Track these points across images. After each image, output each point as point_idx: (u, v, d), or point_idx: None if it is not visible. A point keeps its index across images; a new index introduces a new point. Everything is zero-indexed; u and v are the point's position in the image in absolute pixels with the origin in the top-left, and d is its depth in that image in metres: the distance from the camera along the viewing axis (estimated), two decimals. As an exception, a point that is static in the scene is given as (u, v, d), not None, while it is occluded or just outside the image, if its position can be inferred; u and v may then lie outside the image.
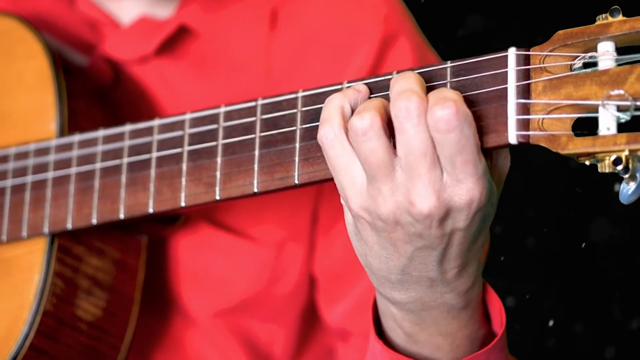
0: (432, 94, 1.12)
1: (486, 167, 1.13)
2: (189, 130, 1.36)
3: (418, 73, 1.18)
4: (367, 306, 1.50)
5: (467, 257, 1.18)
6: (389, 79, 1.20)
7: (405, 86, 1.13)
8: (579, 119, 1.11)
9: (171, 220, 1.56)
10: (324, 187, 1.55)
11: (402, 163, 1.12)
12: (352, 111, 1.17)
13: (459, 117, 1.10)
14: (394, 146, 1.13)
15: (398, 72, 1.19)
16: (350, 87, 1.20)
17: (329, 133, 1.16)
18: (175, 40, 1.61)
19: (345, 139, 1.15)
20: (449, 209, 1.13)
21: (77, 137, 1.46)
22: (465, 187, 1.12)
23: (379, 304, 1.28)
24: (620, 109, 1.07)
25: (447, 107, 1.10)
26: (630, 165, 1.06)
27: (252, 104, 1.30)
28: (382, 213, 1.14)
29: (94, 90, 1.57)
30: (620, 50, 1.10)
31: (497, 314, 1.28)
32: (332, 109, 1.17)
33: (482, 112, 1.13)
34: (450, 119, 1.09)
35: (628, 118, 1.07)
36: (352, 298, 1.59)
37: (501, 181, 1.19)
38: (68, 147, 1.47)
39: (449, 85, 1.16)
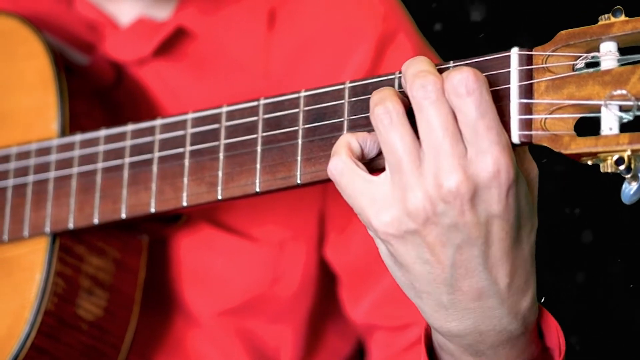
0: (445, 72, 1.12)
1: (509, 143, 1.11)
2: (191, 130, 1.36)
3: None
4: (392, 299, 1.50)
5: (514, 261, 1.14)
6: (392, 79, 1.20)
7: (419, 67, 1.12)
8: (581, 118, 1.11)
9: (173, 220, 1.56)
10: (329, 186, 1.55)
11: (425, 145, 1.11)
12: (361, 148, 1.17)
13: (478, 79, 1.09)
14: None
15: (400, 72, 1.19)
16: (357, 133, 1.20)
17: (337, 164, 1.15)
18: (173, 41, 1.61)
19: (353, 165, 1.15)
20: (477, 185, 1.09)
21: (78, 137, 1.46)
22: (490, 157, 1.09)
23: (434, 340, 1.25)
24: (622, 109, 1.07)
25: (464, 71, 1.09)
26: (632, 165, 1.06)
27: (254, 103, 1.30)
28: (411, 210, 1.11)
29: (95, 90, 1.58)
30: (622, 51, 1.10)
31: (554, 333, 1.24)
32: (339, 144, 1.17)
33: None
34: (468, 81, 1.09)
35: (631, 118, 1.07)
36: (376, 292, 1.58)
37: (533, 187, 1.16)
38: (70, 146, 1.47)
39: None
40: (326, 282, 1.64)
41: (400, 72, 1.19)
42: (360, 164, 1.16)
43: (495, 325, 1.17)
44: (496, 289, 1.14)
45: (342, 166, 1.15)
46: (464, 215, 1.10)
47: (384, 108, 1.13)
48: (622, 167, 1.06)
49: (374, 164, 1.19)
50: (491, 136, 1.09)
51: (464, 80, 1.09)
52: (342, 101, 1.23)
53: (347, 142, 1.17)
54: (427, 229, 1.12)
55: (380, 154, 1.18)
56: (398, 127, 1.12)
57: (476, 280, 1.14)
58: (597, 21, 1.11)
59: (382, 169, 1.16)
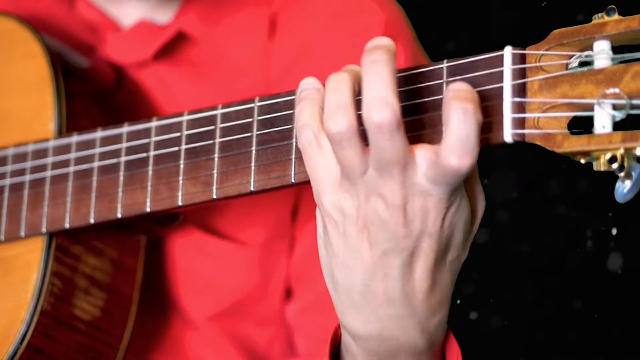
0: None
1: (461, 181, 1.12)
2: (186, 132, 1.36)
3: (414, 73, 1.18)
4: (322, 308, 1.50)
5: (434, 281, 1.16)
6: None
7: (378, 94, 1.10)
8: (574, 117, 1.11)
9: (170, 220, 1.56)
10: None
11: (374, 163, 1.12)
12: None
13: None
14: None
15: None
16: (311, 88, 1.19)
17: (308, 135, 1.15)
18: (173, 45, 1.61)
19: (323, 138, 1.15)
20: (418, 199, 1.11)
21: (75, 138, 1.47)
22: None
23: (342, 342, 1.26)
24: (615, 107, 1.07)
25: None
26: (625, 164, 1.06)
27: (250, 105, 1.30)
28: (352, 205, 1.13)
29: (95, 92, 1.58)
30: (616, 49, 1.10)
31: (454, 357, 1.26)
32: (307, 116, 1.16)
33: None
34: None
35: (623, 117, 1.07)
36: (308, 297, 1.59)
37: (475, 220, 1.18)
38: (66, 146, 1.47)
39: (445, 85, 1.17)
40: None
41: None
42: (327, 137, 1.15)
43: (399, 336, 1.18)
44: (409, 301, 1.16)
45: (312, 138, 1.15)
46: (397, 226, 1.13)
47: (335, 125, 1.12)
48: (615, 166, 1.07)
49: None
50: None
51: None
52: None
53: (313, 114, 1.16)
54: (362, 228, 1.14)
55: None
56: (347, 148, 1.12)
57: (391, 288, 1.15)
58: (590, 20, 1.11)
59: None
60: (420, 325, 1.18)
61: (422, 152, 1.11)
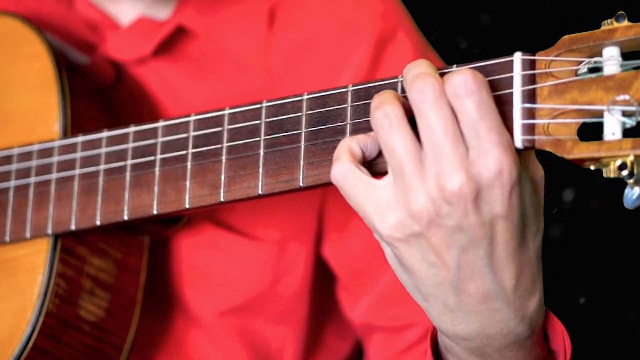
0: (446, 75, 1.12)
1: (511, 142, 1.11)
2: (193, 133, 1.36)
3: None
4: (391, 299, 1.49)
5: (520, 262, 1.14)
6: (395, 82, 1.20)
7: (418, 70, 1.12)
8: (584, 124, 1.11)
9: (174, 221, 1.56)
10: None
11: (426, 148, 1.11)
12: (362, 151, 1.17)
13: (477, 80, 1.10)
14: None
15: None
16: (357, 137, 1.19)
17: (340, 169, 1.16)
18: (173, 41, 1.61)
19: (356, 170, 1.15)
20: (480, 185, 1.09)
21: (80, 138, 1.46)
22: (492, 157, 1.09)
23: (440, 342, 1.25)
24: (625, 114, 1.08)
25: (463, 72, 1.10)
26: (635, 171, 1.06)
27: (257, 106, 1.30)
28: (414, 212, 1.11)
29: (96, 90, 1.57)
30: (625, 56, 1.10)
31: (559, 336, 1.24)
32: (341, 149, 1.17)
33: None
34: (467, 82, 1.09)
35: (633, 123, 1.08)
36: (375, 292, 1.58)
37: (539, 189, 1.16)
38: (72, 148, 1.47)
39: None
40: (325, 281, 1.65)
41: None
42: (362, 168, 1.16)
43: (502, 328, 1.17)
44: (502, 291, 1.14)
45: (344, 171, 1.15)
46: (468, 216, 1.10)
47: (382, 112, 1.13)
48: (625, 172, 1.07)
49: (376, 166, 1.19)
50: (492, 137, 1.09)
51: (462, 81, 1.10)
52: (345, 105, 1.23)
53: (348, 147, 1.17)
54: (431, 231, 1.12)
55: (381, 154, 1.18)
56: (398, 130, 1.12)
57: (482, 282, 1.14)
58: (600, 26, 1.12)
59: (386, 172, 1.16)
60: (519, 312, 1.16)
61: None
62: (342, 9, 1.61)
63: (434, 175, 1.10)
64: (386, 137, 1.13)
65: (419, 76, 1.12)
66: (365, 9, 1.61)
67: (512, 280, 1.14)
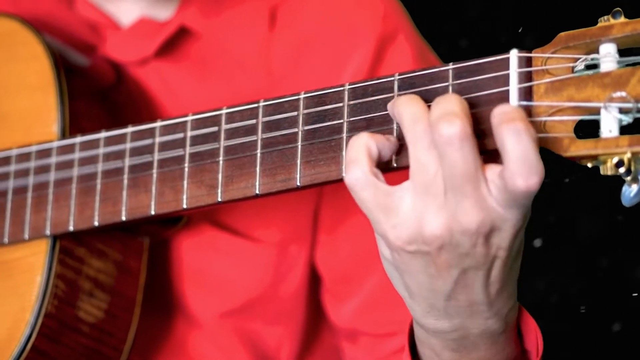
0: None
1: None
2: (190, 133, 1.36)
3: (420, 75, 1.18)
4: (376, 305, 1.49)
5: (507, 279, 1.17)
6: (391, 81, 1.20)
7: (446, 109, 1.10)
8: (581, 121, 1.11)
9: (173, 222, 1.56)
10: (325, 186, 1.55)
11: (447, 182, 1.10)
12: (378, 152, 1.15)
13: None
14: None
15: (400, 74, 1.19)
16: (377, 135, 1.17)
17: (356, 174, 1.13)
18: (175, 41, 1.61)
19: (374, 179, 1.13)
20: (494, 225, 1.11)
21: (78, 139, 1.46)
22: None
23: (416, 334, 1.26)
24: (622, 111, 1.07)
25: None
26: (632, 168, 1.06)
27: (254, 105, 1.30)
28: (428, 235, 1.12)
29: (95, 91, 1.57)
30: (622, 52, 1.10)
31: (532, 334, 1.27)
32: (358, 148, 1.15)
33: (484, 114, 1.13)
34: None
35: (630, 120, 1.07)
36: (360, 297, 1.58)
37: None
38: (70, 148, 1.47)
39: (450, 88, 1.16)
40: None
41: (399, 74, 1.19)
42: (380, 175, 1.14)
43: (480, 324, 1.19)
44: (488, 299, 1.17)
45: (364, 181, 1.13)
46: (477, 247, 1.12)
47: (423, 127, 1.11)
48: (622, 170, 1.06)
49: (384, 165, 1.18)
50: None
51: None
52: (342, 104, 1.23)
53: (367, 147, 1.14)
54: (439, 253, 1.13)
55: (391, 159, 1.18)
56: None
57: (473, 295, 1.17)
58: (596, 23, 1.11)
59: (387, 168, 1.16)
60: (498, 314, 1.19)
61: (490, 173, 1.10)
62: (343, 10, 1.61)
63: (453, 206, 1.11)
64: (422, 153, 1.11)
65: (446, 116, 1.09)
66: (366, 9, 1.61)
67: (498, 291, 1.17)
